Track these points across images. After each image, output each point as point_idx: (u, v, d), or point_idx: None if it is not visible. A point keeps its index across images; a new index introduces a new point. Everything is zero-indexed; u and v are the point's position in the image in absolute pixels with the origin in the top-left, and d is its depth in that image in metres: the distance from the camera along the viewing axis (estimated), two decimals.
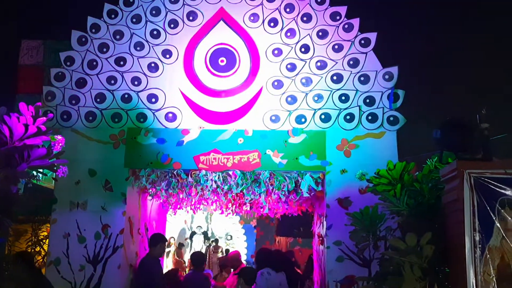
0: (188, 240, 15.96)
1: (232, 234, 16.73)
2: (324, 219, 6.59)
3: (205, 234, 16.21)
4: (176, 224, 15.68)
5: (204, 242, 15.87)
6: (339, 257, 6.27)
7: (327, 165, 6.58)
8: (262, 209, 8.10)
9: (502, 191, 3.30)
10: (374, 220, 4.55)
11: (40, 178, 5.36)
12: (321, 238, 6.82)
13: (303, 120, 6.74)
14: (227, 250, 15.41)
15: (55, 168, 5.06)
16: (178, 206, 8.43)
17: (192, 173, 6.82)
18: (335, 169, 6.58)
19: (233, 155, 6.72)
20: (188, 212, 8.85)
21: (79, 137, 6.90)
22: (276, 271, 6.61)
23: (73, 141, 6.83)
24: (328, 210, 6.48)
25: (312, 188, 6.73)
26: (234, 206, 8.14)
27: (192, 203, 8.05)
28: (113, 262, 6.58)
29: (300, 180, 6.76)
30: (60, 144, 5.05)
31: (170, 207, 8.63)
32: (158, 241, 7.09)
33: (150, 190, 7.24)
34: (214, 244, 15.86)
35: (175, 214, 9.21)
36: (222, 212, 8.62)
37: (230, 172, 6.74)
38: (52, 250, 6.66)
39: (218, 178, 6.80)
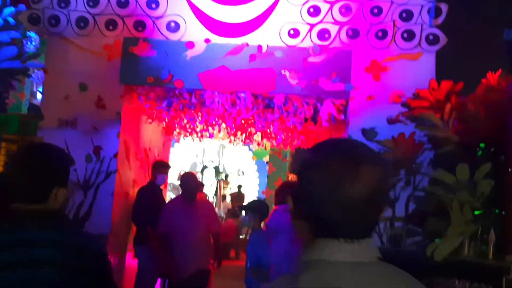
0: (199, 174, 15.42)
1: (244, 170, 16.19)
2: None
3: (216, 169, 15.63)
4: (187, 157, 15.14)
5: (215, 177, 15.36)
6: None
7: (352, 89, 5.66)
8: (274, 139, 7.29)
9: None
10: (409, 151, 3.69)
11: (16, 89, 4.55)
12: None
13: (326, 36, 5.76)
14: (239, 186, 14.86)
15: (29, 72, 4.25)
16: (182, 133, 7.65)
17: (197, 93, 5.98)
18: (361, 95, 5.66)
19: (243, 75, 5.83)
20: (194, 140, 8.05)
21: (69, 46, 6.03)
22: None
23: (62, 50, 6.02)
24: None
25: (332, 117, 5.86)
26: (243, 135, 7.31)
27: (197, 129, 7.26)
28: (106, 188, 5.89)
29: (319, 107, 5.89)
30: (34, 43, 4.19)
31: (174, 133, 7.85)
32: (158, 168, 6.37)
33: (150, 111, 6.45)
34: (223, 179, 15.35)
35: (178, 141, 8.45)
36: (230, 141, 7.82)
37: (240, 94, 5.88)
38: None
39: (226, 100, 5.95)
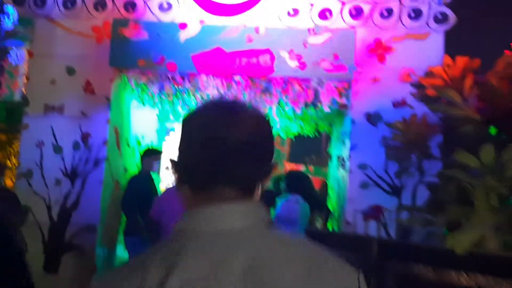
0: None
1: None
2: (348, 137, 5.45)
3: None
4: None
5: None
6: (363, 183, 5.17)
7: (355, 71, 5.35)
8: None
9: None
10: (422, 133, 3.39)
11: None
12: (342, 161, 5.71)
13: (328, 15, 5.44)
14: None
15: (6, 51, 3.91)
16: (177, 119, 7.30)
17: (190, 76, 5.65)
18: (365, 77, 5.35)
19: (239, 57, 5.50)
20: None
21: (56, 28, 5.70)
22: (305, 200, 5.33)
23: (49, 33, 5.70)
24: (353, 127, 5.33)
25: (334, 101, 5.54)
26: None
27: None
28: (95, 177, 5.58)
29: (320, 90, 5.56)
30: (12, 20, 3.85)
31: (168, 119, 7.50)
32: (146, 155, 6.04)
33: (141, 96, 6.11)
34: None
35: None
36: None
37: (236, 78, 5.56)
38: (23, 161, 5.66)
39: (221, 84, 5.62)
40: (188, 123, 1.17)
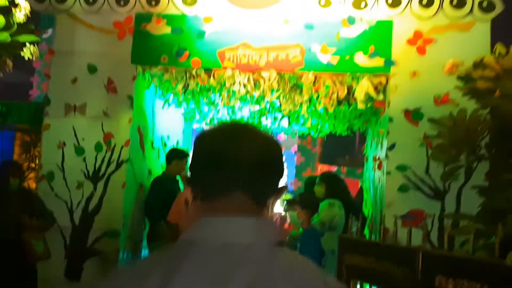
0: None
1: None
2: (385, 137, 5.06)
3: None
4: None
5: None
6: (402, 186, 4.77)
7: (393, 65, 4.96)
8: (302, 125, 6.61)
9: None
10: (472, 131, 2.99)
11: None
12: (378, 162, 5.32)
13: (362, 5, 5.06)
14: None
15: (20, 46, 3.68)
16: (204, 119, 7.03)
17: (216, 73, 5.35)
18: (404, 71, 4.94)
19: (267, 51, 5.18)
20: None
21: (77, 25, 5.51)
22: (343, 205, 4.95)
23: (70, 29, 5.53)
24: (390, 125, 4.94)
25: (370, 97, 5.16)
26: (269, 119, 6.65)
27: (218, 114, 6.63)
28: (117, 179, 5.34)
29: (354, 86, 5.19)
30: (24, 12, 3.61)
31: (194, 119, 7.22)
32: (173, 157, 5.79)
33: (165, 95, 5.86)
34: None
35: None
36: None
37: (264, 73, 5.23)
38: (44, 162, 5.48)
39: (248, 80, 5.31)
40: (202, 139, 1.21)
